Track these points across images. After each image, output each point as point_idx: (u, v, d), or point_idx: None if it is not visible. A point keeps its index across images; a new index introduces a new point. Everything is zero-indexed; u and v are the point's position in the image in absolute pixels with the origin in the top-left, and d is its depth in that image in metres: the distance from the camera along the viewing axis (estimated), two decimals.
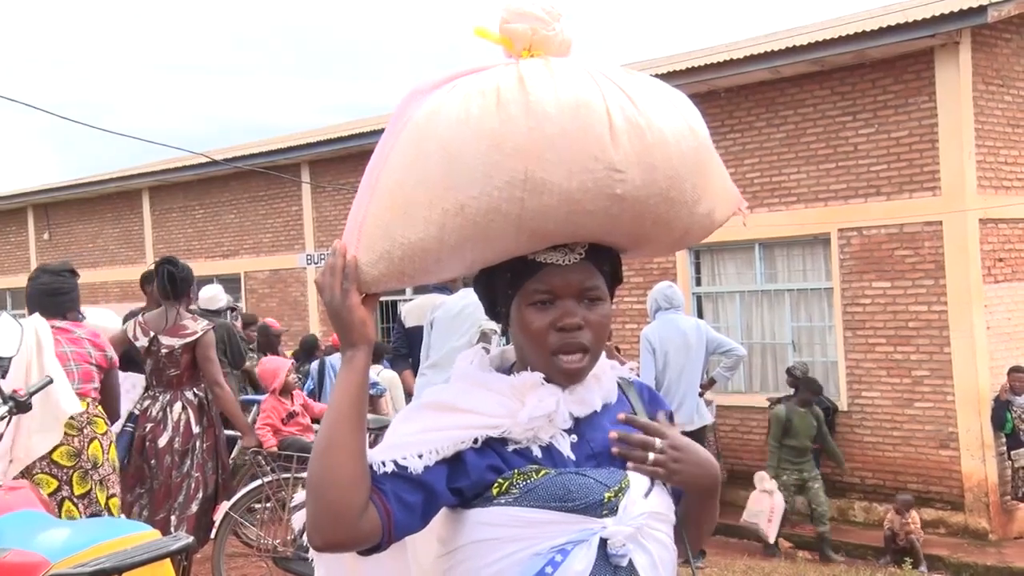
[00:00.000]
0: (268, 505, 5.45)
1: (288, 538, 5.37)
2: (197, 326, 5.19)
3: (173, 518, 5.02)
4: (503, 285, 1.50)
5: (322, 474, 1.36)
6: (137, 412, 5.25)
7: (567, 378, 1.47)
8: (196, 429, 5.15)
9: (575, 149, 1.36)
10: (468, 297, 5.60)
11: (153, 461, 5.13)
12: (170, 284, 5.24)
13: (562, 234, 1.42)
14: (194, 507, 5.08)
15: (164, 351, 5.17)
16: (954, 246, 9.28)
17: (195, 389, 5.22)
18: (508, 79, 1.40)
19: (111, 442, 4.32)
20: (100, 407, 4.38)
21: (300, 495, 1.42)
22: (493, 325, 5.56)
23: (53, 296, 4.43)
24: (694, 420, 6.90)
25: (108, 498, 4.27)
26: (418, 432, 1.43)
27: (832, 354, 10.23)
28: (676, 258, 10.81)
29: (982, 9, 8.74)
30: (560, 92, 1.38)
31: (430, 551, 1.51)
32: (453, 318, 5.62)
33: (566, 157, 1.35)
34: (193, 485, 5.10)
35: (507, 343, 1.61)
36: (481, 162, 1.36)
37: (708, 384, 7.39)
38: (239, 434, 5.69)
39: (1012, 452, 9.20)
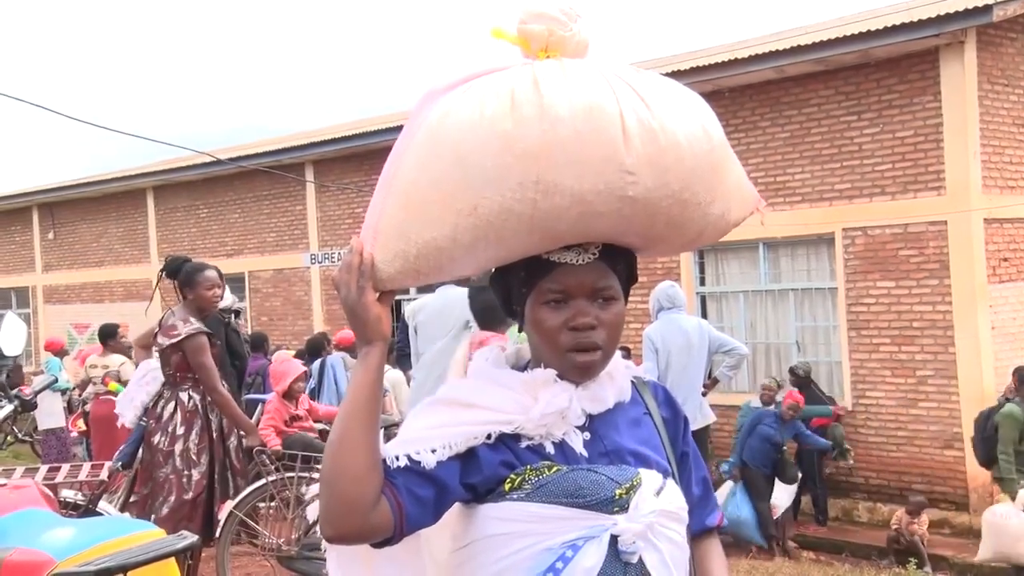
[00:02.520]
0: (272, 504, 5.45)
1: (292, 537, 5.38)
2: (183, 328, 5.18)
3: (153, 516, 5.03)
4: (517, 284, 1.52)
5: (335, 467, 1.38)
6: (149, 407, 5.32)
7: (580, 375, 1.48)
8: (180, 431, 5.12)
9: (587, 151, 1.36)
10: (447, 294, 5.60)
11: (151, 458, 5.16)
12: (175, 283, 5.36)
13: (574, 235, 1.43)
14: (165, 509, 5.04)
15: (157, 348, 5.24)
16: (959, 246, 9.26)
17: (191, 391, 5.20)
18: (523, 81, 1.41)
19: None
20: None
21: (315, 489, 1.45)
22: (477, 328, 5.55)
23: (491, 311, 4.70)
24: (696, 419, 6.90)
25: None
26: (432, 427, 1.44)
27: (836, 354, 10.22)
28: (680, 258, 10.80)
29: (987, 8, 8.72)
30: (573, 94, 1.38)
31: (444, 546, 1.52)
32: (435, 318, 5.62)
33: (578, 159, 1.36)
34: (168, 487, 5.09)
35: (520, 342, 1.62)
36: (494, 163, 1.37)
37: (712, 384, 7.38)
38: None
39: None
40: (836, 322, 10.18)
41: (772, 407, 9.39)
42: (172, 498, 5.07)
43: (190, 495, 5.09)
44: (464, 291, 5.62)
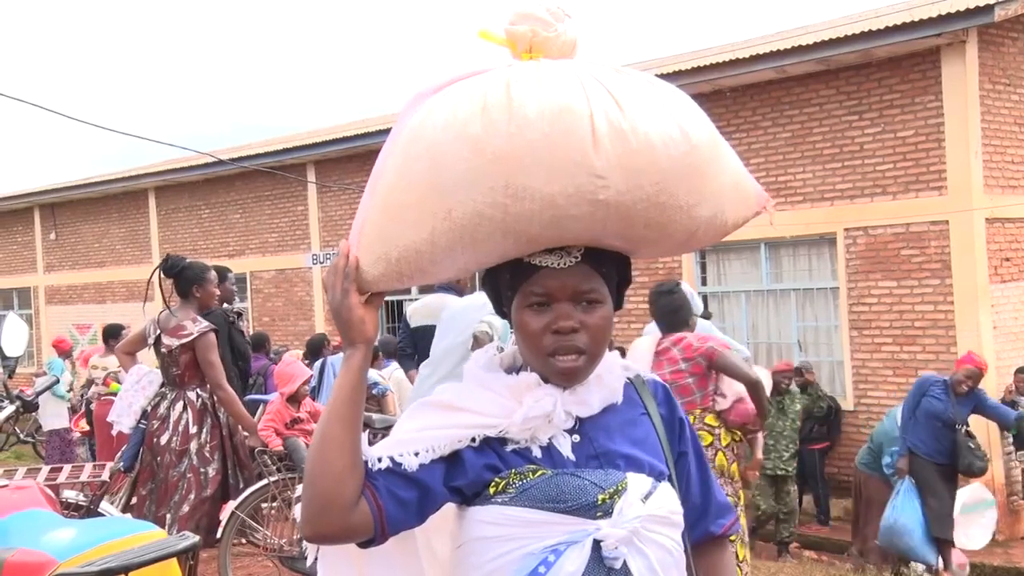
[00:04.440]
0: (274, 504, 5.46)
1: (295, 537, 5.39)
2: (194, 327, 5.20)
3: (168, 516, 5.05)
4: (504, 287, 1.51)
5: (315, 466, 1.39)
6: (149, 409, 5.32)
7: (563, 378, 1.47)
8: (193, 430, 5.16)
9: (556, 155, 1.35)
10: (472, 299, 5.62)
11: (158, 458, 5.17)
12: (174, 281, 5.35)
13: (549, 238, 1.42)
14: (185, 507, 5.08)
15: (164, 350, 5.23)
16: (960, 245, 9.26)
17: (199, 389, 5.24)
18: (495, 84, 1.40)
19: (718, 451, 4.71)
20: (712, 420, 4.76)
21: (300, 489, 1.44)
22: (486, 328, 5.61)
23: (675, 314, 4.94)
24: None
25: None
26: (418, 430, 1.45)
27: (838, 354, 10.21)
28: (682, 258, 10.81)
29: (989, 8, 8.72)
30: (543, 97, 1.37)
31: (446, 545, 1.53)
32: (451, 319, 5.65)
33: (547, 163, 1.35)
34: (186, 486, 5.12)
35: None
36: (465, 167, 1.36)
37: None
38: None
39: (1018, 452, 9.17)
40: (838, 322, 10.17)
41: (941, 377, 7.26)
42: (192, 496, 5.11)
43: (208, 492, 5.14)
44: (480, 297, 5.63)
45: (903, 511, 6.97)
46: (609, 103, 1.39)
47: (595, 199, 1.37)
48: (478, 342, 5.35)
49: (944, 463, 6.97)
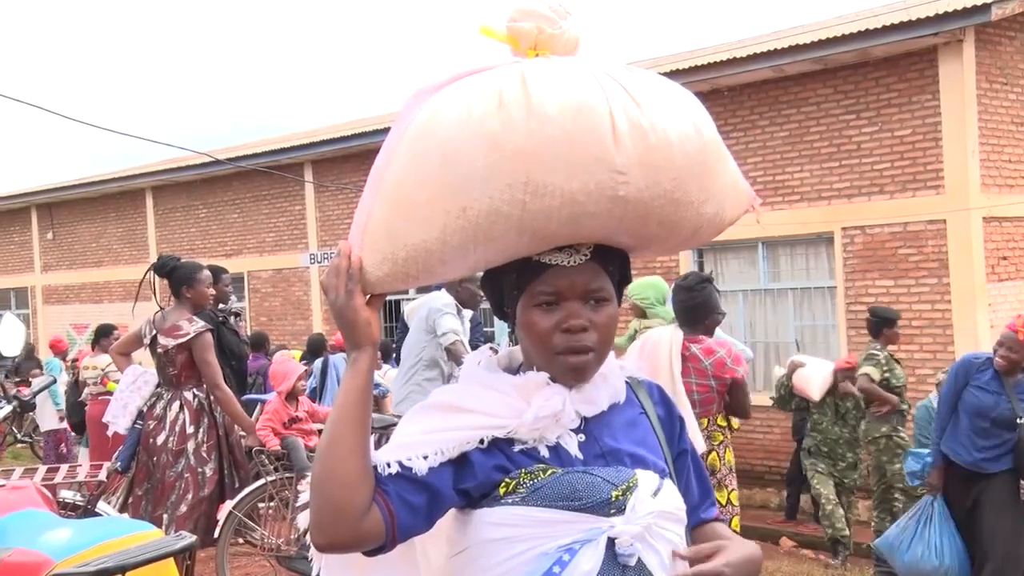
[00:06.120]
0: (272, 504, 5.46)
1: (292, 537, 5.39)
2: (191, 327, 5.21)
3: (165, 516, 5.05)
4: (509, 286, 1.50)
5: (324, 473, 1.36)
6: (145, 410, 5.31)
7: (572, 377, 1.46)
8: (190, 429, 5.16)
9: (577, 151, 1.34)
10: (435, 295, 5.66)
11: (155, 458, 5.16)
12: (167, 282, 5.36)
13: (565, 235, 1.41)
14: (183, 507, 5.08)
15: (160, 350, 5.23)
16: (958, 244, 9.26)
17: (195, 389, 5.24)
18: (510, 80, 1.39)
19: (727, 447, 4.70)
20: (722, 421, 4.70)
21: (305, 495, 1.42)
22: (453, 336, 5.63)
23: (691, 312, 4.76)
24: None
25: (729, 493, 4.66)
26: (424, 433, 1.42)
27: (835, 353, 10.19)
28: (679, 256, 10.80)
29: (986, 7, 8.72)
30: (562, 93, 1.36)
31: (441, 551, 1.51)
32: (418, 316, 5.73)
33: (568, 159, 1.34)
34: (183, 486, 5.11)
35: (513, 343, 1.61)
36: (482, 164, 1.35)
37: None
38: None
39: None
40: (835, 321, 10.18)
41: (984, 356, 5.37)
42: (190, 496, 5.11)
43: (206, 491, 5.14)
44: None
45: (943, 547, 5.20)
46: (627, 100, 1.38)
47: (615, 195, 1.37)
48: (454, 354, 5.36)
49: (1000, 471, 5.10)
